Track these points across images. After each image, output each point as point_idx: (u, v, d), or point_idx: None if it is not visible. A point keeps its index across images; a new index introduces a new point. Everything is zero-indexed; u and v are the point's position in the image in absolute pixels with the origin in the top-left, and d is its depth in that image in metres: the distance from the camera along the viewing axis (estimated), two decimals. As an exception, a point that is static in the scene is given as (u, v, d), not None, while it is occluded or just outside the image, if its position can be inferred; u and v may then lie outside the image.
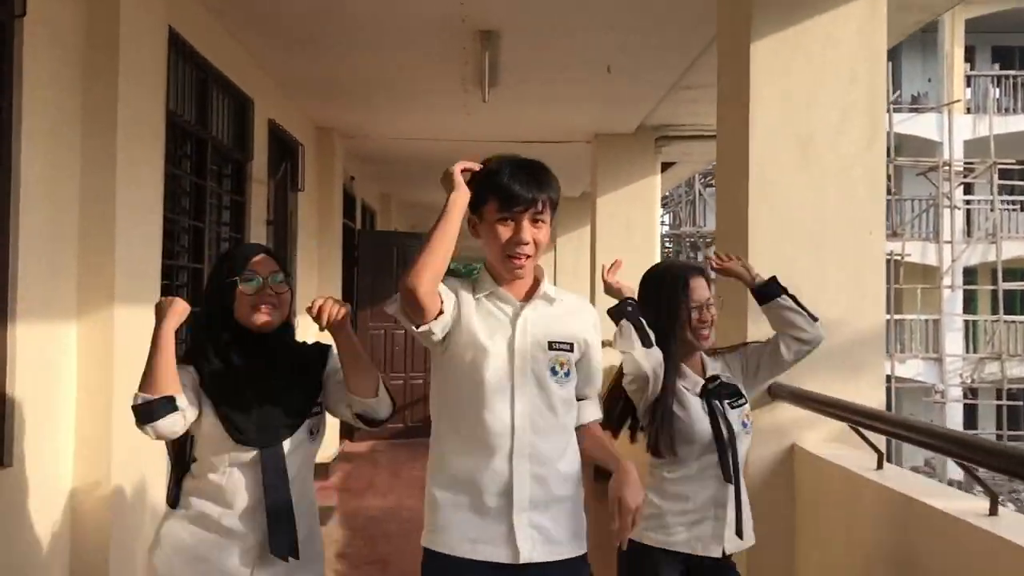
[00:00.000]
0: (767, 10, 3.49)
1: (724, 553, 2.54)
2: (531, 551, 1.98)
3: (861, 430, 2.98)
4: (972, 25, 20.55)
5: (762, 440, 3.45)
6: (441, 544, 2.02)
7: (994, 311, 19.42)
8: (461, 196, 2.00)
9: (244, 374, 2.20)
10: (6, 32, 3.00)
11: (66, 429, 3.39)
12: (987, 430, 19.96)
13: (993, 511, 2.24)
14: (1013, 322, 19.73)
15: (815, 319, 2.76)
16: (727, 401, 2.60)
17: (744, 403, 2.65)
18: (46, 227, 3.22)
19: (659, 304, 2.61)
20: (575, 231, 12.29)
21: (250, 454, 2.17)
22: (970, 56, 21.61)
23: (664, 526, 2.52)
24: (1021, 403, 19.32)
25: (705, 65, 5.64)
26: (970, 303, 21.03)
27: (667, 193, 22.73)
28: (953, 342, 19.82)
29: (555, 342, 2.05)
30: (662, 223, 24.17)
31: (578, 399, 2.15)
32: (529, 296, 2.08)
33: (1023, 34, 21.32)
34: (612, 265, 2.79)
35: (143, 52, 3.70)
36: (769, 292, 2.80)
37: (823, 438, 3.40)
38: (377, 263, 10.18)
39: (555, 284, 2.19)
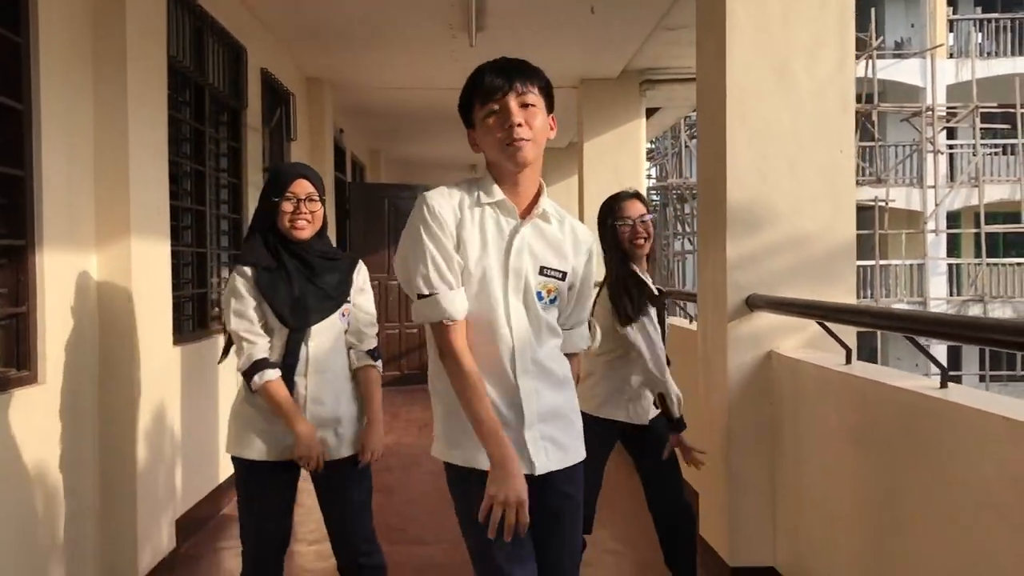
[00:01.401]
0: (741, -59, 3.66)
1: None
2: (546, 462, 2.02)
3: (830, 327, 3.22)
4: (954, -31, 20.65)
5: (741, 348, 3.70)
6: (459, 457, 2.03)
7: (977, 254, 19.75)
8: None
9: (286, 271, 2.68)
10: (21, -26, 3.16)
11: (91, 351, 3.61)
12: (971, 371, 20.42)
13: (944, 384, 2.48)
14: (996, 265, 20.08)
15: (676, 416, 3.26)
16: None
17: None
18: (64, 162, 3.40)
19: (604, 224, 3.26)
20: (563, 181, 12.46)
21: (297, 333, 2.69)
22: (952, 1, 21.70)
23: (607, 403, 3.26)
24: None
25: (687, 5, 5.80)
26: (954, 247, 21.37)
27: (653, 145, 22.87)
28: (937, 285, 20.16)
29: (547, 268, 2.05)
30: (649, 176, 24.33)
31: (570, 326, 2.18)
32: (530, 209, 2.06)
33: (1005, -23, 21.41)
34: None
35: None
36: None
37: (798, 344, 3.65)
38: (368, 215, 10.33)
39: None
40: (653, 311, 3.18)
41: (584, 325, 2.25)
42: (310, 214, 2.70)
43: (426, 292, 1.97)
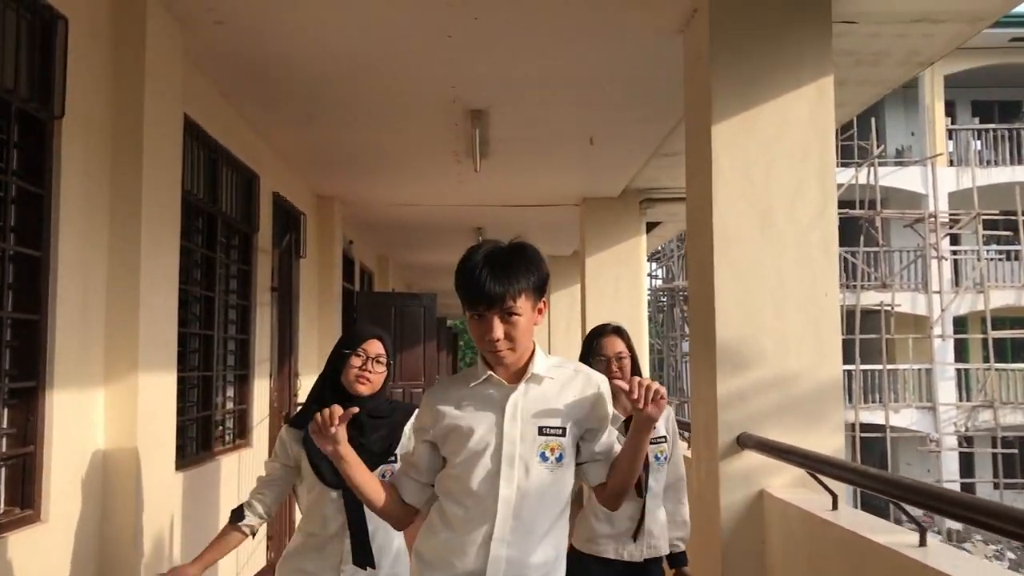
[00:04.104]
0: (726, 97, 3.86)
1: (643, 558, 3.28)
2: None
3: (817, 475, 3.28)
4: (951, 80, 21.20)
5: (733, 485, 3.75)
6: None
7: (985, 359, 19.71)
8: (346, 466, 2.20)
9: None
10: (47, 131, 3.37)
11: (95, 486, 3.68)
12: (984, 478, 20.10)
13: (923, 542, 2.54)
14: (1005, 370, 20.01)
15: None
16: None
17: (662, 441, 3.32)
18: (78, 305, 3.55)
19: (584, 359, 3.34)
20: (567, 288, 12.64)
21: (336, 492, 2.80)
22: (951, 110, 22.25)
23: (592, 539, 3.26)
24: (1016, 451, 19.50)
25: (682, 134, 6.03)
26: (961, 352, 21.33)
27: (660, 248, 23.18)
28: (946, 391, 20.05)
29: (545, 427, 2.06)
30: (656, 277, 24.59)
31: (584, 461, 2.19)
32: (520, 376, 2.10)
33: (1000, 88, 21.97)
34: None
35: (163, 140, 4.08)
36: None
37: (788, 483, 3.70)
38: (375, 324, 10.45)
39: (548, 352, 2.23)
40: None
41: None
42: (374, 374, 2.88)
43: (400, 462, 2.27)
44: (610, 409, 2.20)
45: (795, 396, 3.76)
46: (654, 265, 24.63)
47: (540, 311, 2.12)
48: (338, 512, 2.82)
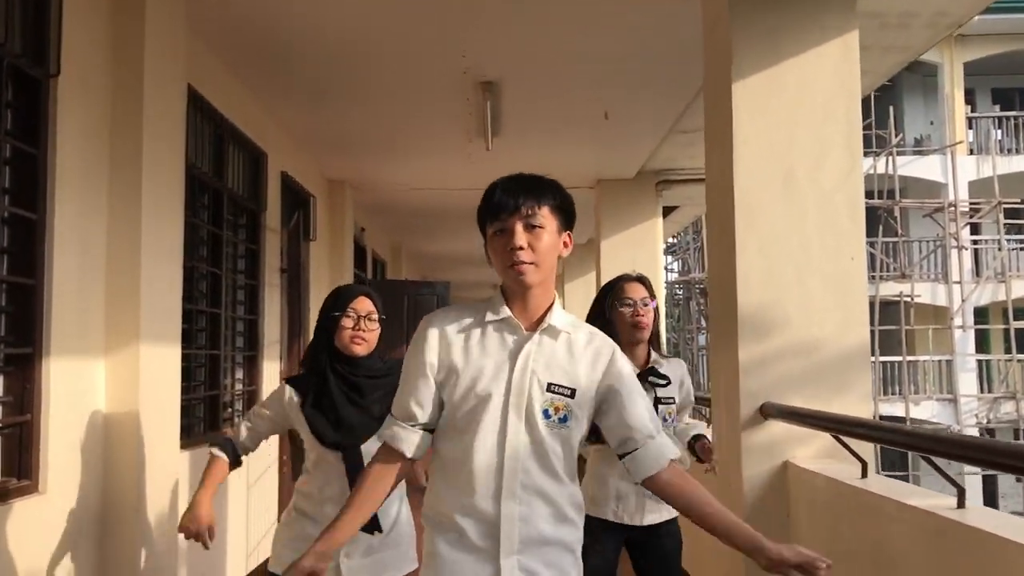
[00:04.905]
0: (746, 53, 3.72)
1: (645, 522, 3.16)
2: None
3: (845, 440, 3.14)
4: (971, 68, 20.91)
5: (756, 457, 3.61)
6: None
7: (1007, 350, 19.42)
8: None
9: (335, 391, 2.76)
10: (41, 90, 3.27)
11: (95, 458, 3.58)
12: (1010, 478, 19.83)
13: (961, 504, 2.39)
14: (1027, 361, 19.73)
15: None
16: (658, 395, 3.11)
17: (671, 403, 3.16)
18: (76, 270, 3.44)
19: (602, 304, 3.23)
20: (582, 277, 12.51)
21: (335, 454, 2.71)
22: (970, 98, 21.92)
23: (594, 501, 3.13)
24: (1039, 442, 19.27)
25: (699, 110, 5.88)
26: (982, 343, 21.01)
27: (675, 240, 22.98)
28: (967, 382, 19.78)
29: (554, 384, 1.95)
30: (672, 270, 24.37)
31: (631, 447, 1.98)
32: (538, 325, 1.99)
33: (1021, 75, 21.64)
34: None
35: (164, 107, 3.97)
36: None
37: (813, 454, 3.55)
38: (388, 312, 10.32)
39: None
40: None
41: (656, 438, 1.98)
42: (368, 332, 2.80)
43: (393, 413, 2.07)
44: (628, 367, 2.05)
45: (820, 363, 3.62)
46: (669, 259, 24.41)
47: (566, 244, 2.02)
48: (339, 475, 2.72)
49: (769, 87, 3.72)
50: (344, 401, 2.75)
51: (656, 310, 3.25)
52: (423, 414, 2.01)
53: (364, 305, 2.81)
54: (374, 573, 2.76)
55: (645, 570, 3.24)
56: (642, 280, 3.25)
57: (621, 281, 3.24)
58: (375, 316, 2.82)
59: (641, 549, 3.23)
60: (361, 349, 2.79)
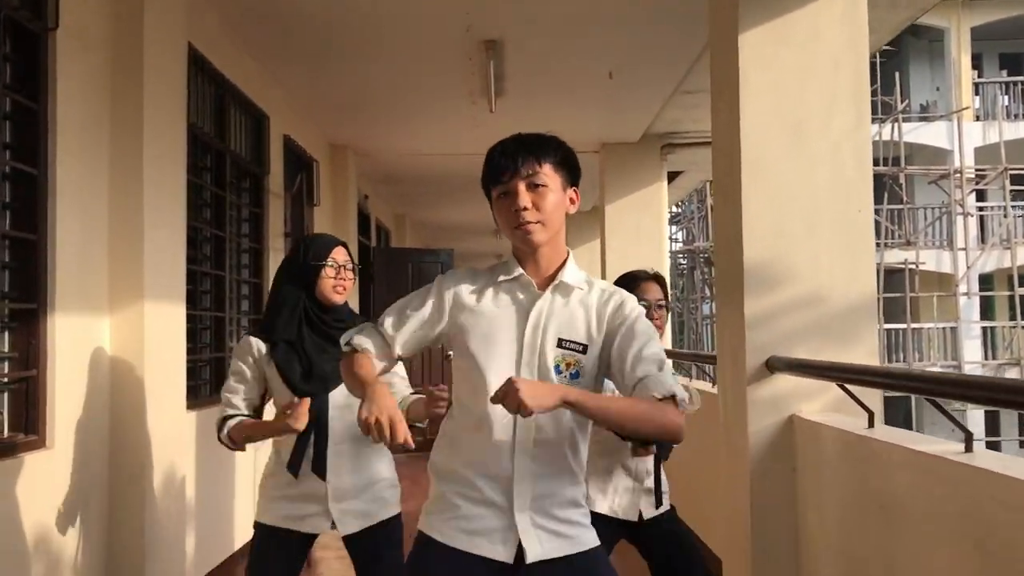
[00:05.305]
0: (752, 4, 3.67)
1: (642, 517, 3.04)
2: (540, 551, 1.91)
3: (851, 390, 3.12)
4: (978, 33, 20.69)
5: (762, 412, 3.59)
6: (436, 532, 1.97)
7: (1012, 317, 19.40)
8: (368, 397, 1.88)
9: (307, 341, 2.73)
10: (39, 43, 3.23)
11: (102, 416, 3.58)
12: (1010, 436, 19.88)
13: (968, 448, 2.38)
14: (1031, 328, 19.70)
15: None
16: None
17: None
18: (78, 225, 3.43)
19: None
20: (587, 244, 12.45)
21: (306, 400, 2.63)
22: (977, 64, 21.71)
23: (590, 496, 2.95)
24: (1043, 409, 19.20)
25: (704, 69, 5.83)
26: (987, 310, 20.99)
27: (679, 209, 22.91)
28: (972, 349, 19.76)
29: (565, 340, 1.95)
30: (676, 240, 24.32)
31: (635, 380, 1.91)
32: (550, 282, 1.99)
33: (1029, 40, 21.44)
34: None
35: (165, 63, 3.94)
36: None
37: (819, 408, 3.54)
38: (392, 279, 10.38)
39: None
40: None
41: (654, 375, 1.89)
42: (348, 281, 2.83)
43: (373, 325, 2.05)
44: (637, 311, 2.00)
45: (827, 316, 3.59)
46: (674, 228, 24.34)
47: (572, 200, 2.02)
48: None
49: (776, 37, 3.67)
50: (317, 351, 2.74)
51: (668, 307, 3.20)
52: (404, 332, 2.01)
53: (342, 254, 2.84)
54: (365, 514, 2.77)
55: (663, 559, 3.10)
56: (658, 279, 3.20)
57: (637, 280, 3.16)
58: (350, 265, 2.85)
59: (649, 544, 3.12)
60: (341, 298, 2.82)
